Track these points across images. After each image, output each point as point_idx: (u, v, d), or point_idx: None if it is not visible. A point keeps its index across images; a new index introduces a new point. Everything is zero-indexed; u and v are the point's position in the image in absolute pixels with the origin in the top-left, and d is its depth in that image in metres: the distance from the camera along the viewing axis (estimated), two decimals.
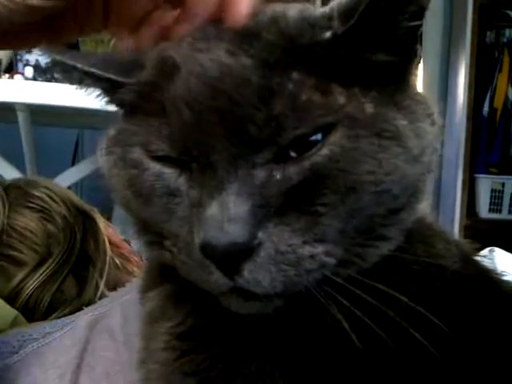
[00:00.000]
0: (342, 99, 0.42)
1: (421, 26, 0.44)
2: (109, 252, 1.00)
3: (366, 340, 0.42)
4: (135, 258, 1.09)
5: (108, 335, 0.73)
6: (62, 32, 0.54)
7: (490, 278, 0.50)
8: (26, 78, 1.84)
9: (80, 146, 2.69)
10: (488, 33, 3.40)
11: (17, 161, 1.89)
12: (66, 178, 1.99)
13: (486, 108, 3.35)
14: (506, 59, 3.36)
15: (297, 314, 0.44)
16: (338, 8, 0.43)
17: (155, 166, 0.45)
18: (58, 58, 0.49)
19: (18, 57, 1.92)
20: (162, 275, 0.52)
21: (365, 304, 0.42)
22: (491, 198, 3.42)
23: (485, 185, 3.40)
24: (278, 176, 0.41)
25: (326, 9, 0.45)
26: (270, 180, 0.41)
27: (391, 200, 0.43)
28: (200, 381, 0.45)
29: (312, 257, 0.41)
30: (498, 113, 3.39)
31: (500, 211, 3.43)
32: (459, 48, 3.22)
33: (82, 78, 0.49)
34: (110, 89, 0.49)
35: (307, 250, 0.41)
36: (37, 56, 1.99)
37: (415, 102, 0.46)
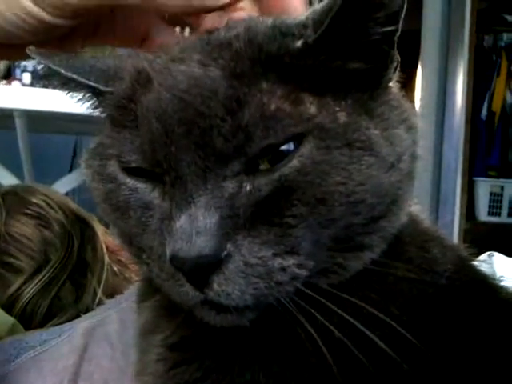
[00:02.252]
0: (313, 109, 0.41)
1: (397, 30, 0.43)
2: (107, 259, 1.00)
3: (340, 355, 0.41)
4: (135, 266, 1.08)
5: (106, 343, 0.73)
6: (66, 45, 0.54)
7: (487, 283, 0.49)
8: (24, 84, 1.84)
9: (78, 153, 2.69)
10: (486, 37, 3.40)
11: (14, 167, 1.89)
12: (64, 185, 1.99)
13: (484, 111, 3.35)
14: (504, 63, 3.36)
15: (274, 326, 0.44)
16: (312, 16, 0.43)
17: (129, 181, 0.45)
18: (43, 61, 0.48)
19: (16, 63, 1.92)
20: (155, 286, 0.51)
21: (341, 318, 0.41)
22: (490, 201, 3.41)
23: (484, 188, 3.40)
24: (248, 187, 0.41)
25: (301, 17, 0.44)
26: (239, 192, 0.41)
27: (367, 209, 0.42)
28: None
29: (283, 269, 0.40)
30: (497, 116, 3.39)
31: (499, 214, 3.42)
32: (457, 52, 3.21)
33: (65, 83, 0.49)
34: (91, 96, 0.49)
35: (277, 262, 0.40)
36: (34, 62, 1.99)
37: (389, 107, 0.45)
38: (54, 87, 0.50)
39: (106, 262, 0.99)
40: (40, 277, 0.92)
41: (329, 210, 0.41)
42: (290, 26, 0.44)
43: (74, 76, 0.48)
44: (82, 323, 0.78)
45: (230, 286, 0.40)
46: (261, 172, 0.41)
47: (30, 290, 0.91)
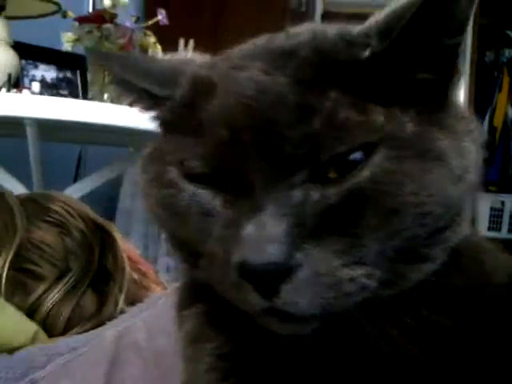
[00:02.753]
0: (381, 118, 0.41)
1: (462, 41, 0.44)
2: (128, 267, 0.99)
3: (408, 364, 0.41)
4: (152, 273, 1.08)
5: (134, 352, 0.72)
6: None
7: None
8: (33, 93, 1.83)
9: (82, 163, 2.67)
10: (487, 53, 3.43)
11: (20, 176, 1.88)
12: (70, 194, 1.97)
13: (485, 127, 3.38)
14: (506, 79, 3.40)
15: (336, 335, 0.44)
16: (376, 26, 0.43)
17: (190, 187, 0.44)
18: (101, 61, 0.50)
19: (25, 72, 1.92)
20: (199, 293, 0.52)
21: (406, 328, 0.41)
22: (490, 217, 3.43)
23: (484, 203, 3.41)
24: (316, 196, 0.41)
25: (363, 27, 0.44)
26: (307, 200, 0.41)
27: (434, 221, 0.42)
28: None
29: (351, 280, 0.40)
30: (498, 131, 3.42)
31: (499, 230, 3.44)
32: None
33: (118, 83, 0.50)
34: (144, 98, 0.49)
35: (346, 272, 0.40)
36: (43, 71, 2.00)
37: (457, 119, 0.45)
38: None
39: (127, 270, 0.98)
40: (62, 284, 0.91)
41: (399, 221, 0.41)
42: (354, 35, 0.44)
43: (127, 78, 0.48)
44: (109, 331, 0.78)
45: (298, 296, 0.40)
46: (329, 181, 0.41)
47: (52, 297, 0.90)
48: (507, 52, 3.42)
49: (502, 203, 3.41)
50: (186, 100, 0.46)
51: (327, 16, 3.66)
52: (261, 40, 0.49)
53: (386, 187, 0.40)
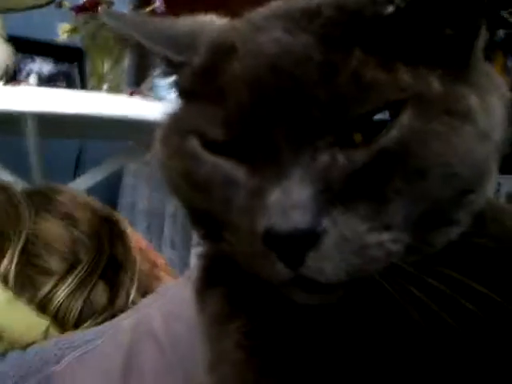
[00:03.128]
0: (407, 77, 0.40)
1: None
2: (138, 257, 0.97)
3: (436, 329, 0.40)
4: (162, 263, 1.06)
5: (152, 339, 0.71)
6: None
7: None
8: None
9: (82, 158, 2.65)
10: None
11: (19, 174, 1.86)
12: None
13: None
14: (499, 59, 3.37)
15: (362, 303, 0.43)
16: None
17: (212, 158, 0.43)
18: (114, 23, 0.48)
19: (22, 66, 1.90)
20: (220, 271, 0.50)
21: (434, 291, 0.40)
22: None
23: None
24: (342, 160, 0.39)
25: None
26: (333, 165, 0.39)
27: (460, 182, 0.41)
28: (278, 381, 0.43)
29: (379, 244, 0.39)
30: None
31: None
32: None
33: (134, 47, 0.49)
34: (160, 64, 0.48)
35: (374, 237, 0.39)
36: (40, 65, 1.97)
37: (483, 75, 0.44)
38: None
39: (138, 260, 0.96)
40: (72, 278, 0.89)
41: (425, 183, 0.39)
42: None
43: (143, 41, 0.47)
44: (124, 322, 0.76)
45: (325, 263, 0.39)
46: (357, 144, 0.39)
47: (63, 291, 0.88)
48: (501, 32, 3.41)
49: (499, 184, 3.39)
50: (205, 66, 0.44)
51: None
52: (279, 2, 0.47)
53: (414, 148, 0.39)
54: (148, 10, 1.85)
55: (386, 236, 0.39)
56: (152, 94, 1.81)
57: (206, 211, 0.45)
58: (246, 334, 0.46)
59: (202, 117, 0.43)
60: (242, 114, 0.40)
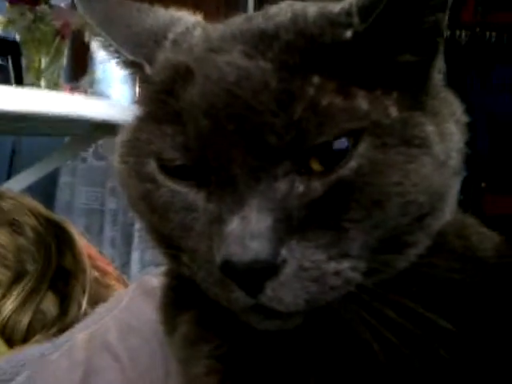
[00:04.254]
0: (365, 103, 0.39)
1: (443, 19, 0.42)
2: (88, 265, 0.93)
3: (391, 355, 0.41)
4: (112, 270, 1.02)
5: (108, 354, 0.68)
6: None
7: None
8: None
9: (17, 156, 2.55)
10: None
11: None
12: None
13: None
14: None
15: (319, 329, 0.43)
16: (356, 3, 0.41)
17: (170, 182, 0.43)
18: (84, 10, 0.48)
19: None
20: (187, 293, 0.49)
21: (389, 319, 0.40)
22: None
23: None
24: (301, 188, 0.39)
25: (345, 4, 0.42)
26: (292, 193, 0.39)
27: (417, 209, 0.41)
28: None
29: (337, 273, 0.39)
30: None
31: None
32: None
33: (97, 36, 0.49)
34: (118, 58, 0.48)
35: (332, 266, 0.39)
36: None
37: (439, 101, 0.44)
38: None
39: (88, 269, 0.92)
40: (19, 289, 0.84)
41: (383, 212, 0.40)
42: (336, 13, 0.42)
43: (104, 33, 0.47)
44: (79, 335, 0.73)
45: (284, 292, 0.39)
46: (315, 173, 0.39)
47: (10, 304, 0.83)
48: None
49: None
50: (163, 87, 0.43)
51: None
52: (237, 20, 0.47)
53: (371, 178, 0.39)
54: None
55: (344, 264, 0.39)
56: (92, 89, 1.76)
57: (165, 234, 0.45)
58: (217, 357, 0.45)
59: (161, 140, 0.42)
60: (201, 140, 0.40)
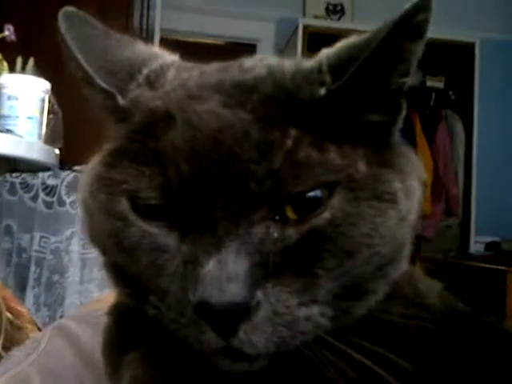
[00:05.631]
0: (337, 158, 0.42)
1: (407, 82, 0.45)
2: (3, 306, 0.89)
3: None
4: (26, 312, 0.98)
5: None
6: None
7: (468, 314, 0.52)
8: None
9: None
10: None
11: None
12: None
13: None
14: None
15: (285, 371, 0.44)
16: (327, 62, 0.44)
17: (141, 223, 0.43)
18: (64, 30, 0.47)
19: None
20: (136, 332, 0.49)
21: (353, 361, 0.42)
22: None
23: None
24: (276, 234, 0.41)
25: (315, 62, 0.45)
26: (267, 238, 0.41)
27: (380, 260, 0.44)
28: None
29: (307, 318, 0.41)
30: None
31: None
32: None
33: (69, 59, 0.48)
34: (87, 84, 0.48)
35: (303, 311, 0.40)
36: None
37: (403, 158, 0.47)
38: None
39: (3, 311, 0.88)
40: None
41: (351, 262, 0.42)
42: (308, 70, 0.44)
43: (77, 55, 0.47)
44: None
45: (256, 335, 0.40)
46: (289, 221, 0.41)
47: None
48: None
49: None
50: (140, 128, 0.44)
51: (164, 42, 3.69)
52: (210, 68, 0.48)
53: (343, 229, 0.41)
54: None
55: (314, 310, 0.41)
56: None
57: (132, 274, 0.44)
58: None
59: (137, 179, 0.42)
60: (182, 183, 0.41)
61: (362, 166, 0.42)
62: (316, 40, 3.92)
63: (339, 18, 4.36)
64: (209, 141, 0.41)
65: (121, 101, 0.46)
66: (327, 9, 4.37)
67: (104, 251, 0.47)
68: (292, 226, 0.41)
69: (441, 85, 4.53)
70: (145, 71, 0.48)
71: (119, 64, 0.48)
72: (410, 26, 0.41)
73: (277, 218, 0.41)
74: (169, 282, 0.42)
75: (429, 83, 4.42)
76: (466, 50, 4.39)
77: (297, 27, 4.17)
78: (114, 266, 0.47)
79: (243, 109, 0.42)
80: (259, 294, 0.39)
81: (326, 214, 0.41)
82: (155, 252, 0.42)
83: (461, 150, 4.47)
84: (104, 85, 0.46)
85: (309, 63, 0.45)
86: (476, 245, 4.27)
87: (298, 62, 0.46)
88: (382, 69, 0.43)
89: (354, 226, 0.41)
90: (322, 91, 0.43)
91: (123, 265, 0.45)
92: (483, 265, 3.49)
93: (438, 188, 4.25)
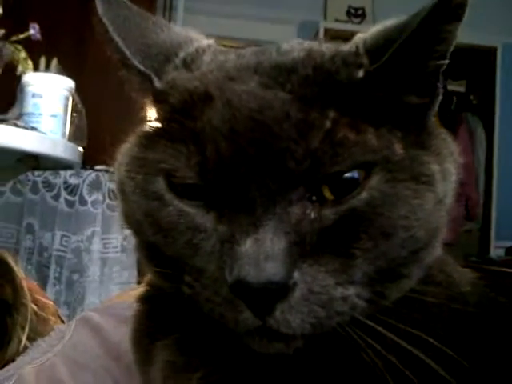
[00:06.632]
0: (374, 140, 0.42)
1: (444, 64, 0.45)
2: (29, 298, 0.89)
3: (396, 379, 0.41)
4: (51, 305, 0.99)
5: None
6: None
7: (506, 302, 0.51)
8: None
9: None
10: None
11: None
12: None
13: None
14: None
15: (320, 353, 0.43)
16: (364, 45, 0.44)
17: (178, 202, 0.43)
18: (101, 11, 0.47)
19: None
20: (167, 319, 0.49)
21: (390, 344, 0.41)
22: None
23: None
24: (313, 215, 0.41)
25: (352, 46, 0.45)
26: (304, 218, 0.41)
27: (416, 243, 0.43)
28: None
29: (344, 298, 0.40)
30: None
31: None
32: None
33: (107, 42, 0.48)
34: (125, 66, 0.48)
35: (340, 291, 0.40)
36: None
37: (440, 141, 0.47)
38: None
39: (28, 302, 0.89)
40: None
41: (388, 243, 0.41)
42: (346, 53, 0.44)
43: (116, 39, 0.47)
44: (28, 367, 0.70)
45: (292, 315, 0.39)
46: (326, 201, 0.41)
47: None
48: None
49: None
50: (178, 108, 0.44)
51: None
52: (247, 52, 0.48)
53: (381, 210, 0.41)
54: (22, 37, 1.75)
55: (351, 290, 0.41)
56: (21, 122, 1.70)
57: (168, 253, 0.44)
58: None
59: (174, 158, 0.43)
60: (220, 162, 0.41)
61: (399, 148, 0.42)
62: None
63: (360, 22, 4.35)
64: (248, 120, 0.41)
65: (157, 83, 0.46)
66: (348, 12, 4.37)
67: (139, 232, 0.47)
68: (329, 206, 0.41)
69: (462, 89, 4.50)
70: (181, 54, 0.48)
71: (156, 47, 0.48)
72: (448, 8, 0.41)
73: (314, 198, 0.41)
74: (205, 262, 0.42)
75: (450, 87, 4.40)
76: (488, 54, 4.40)
77: (318, 30, 4.20)
78: (148, 246, 0.47)
79: (282, 89, 0.42)
80: (296, 274, 0.39)
81: (364, 195, 0.41)
82: (191, 231, 0.42)
83: (481, 154, 4.43)
84: (141, 67, 0.47)
85: (347, 47, 0.45)
86: (496, 249, 4.22)
87: (336, 46, 0.46)
88: (420, 51, 0.43)
89: (392, 207, 0.41)
90: (360, 73, 0.43)
91: (159, 245, 0.45)
92: (504, 269, 3.45)
93: (457, 192, 4.21)
